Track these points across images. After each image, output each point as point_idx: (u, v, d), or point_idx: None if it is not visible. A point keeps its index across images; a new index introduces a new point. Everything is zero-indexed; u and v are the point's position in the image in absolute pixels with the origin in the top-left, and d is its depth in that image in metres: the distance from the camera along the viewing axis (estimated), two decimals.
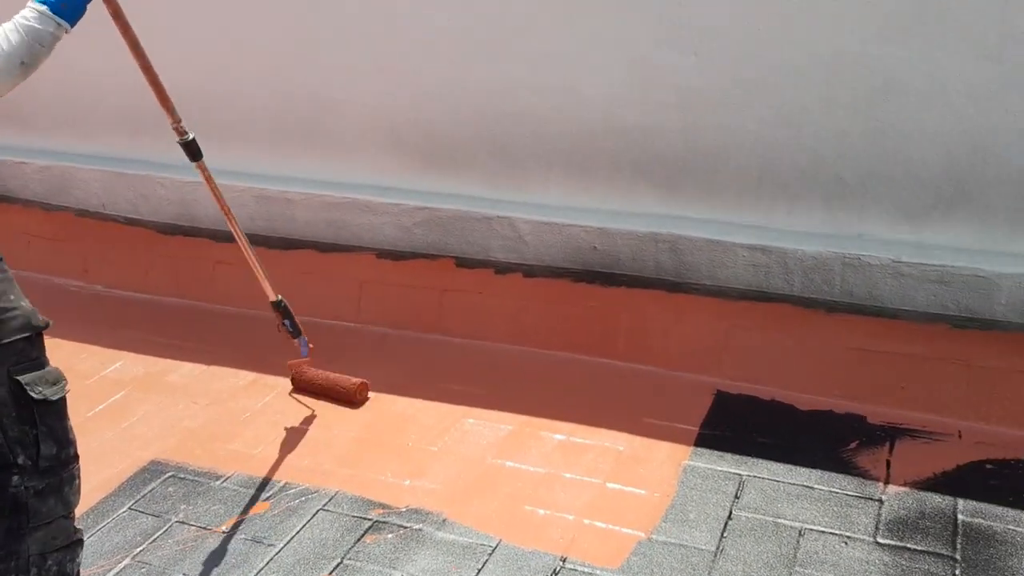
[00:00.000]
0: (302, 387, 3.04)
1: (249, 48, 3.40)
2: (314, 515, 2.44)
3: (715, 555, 2.22)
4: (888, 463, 2.51)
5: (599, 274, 3.08)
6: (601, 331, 3.08)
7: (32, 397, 1.68)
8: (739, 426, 2.71)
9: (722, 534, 2.29)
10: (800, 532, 2.28)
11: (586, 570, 2.20)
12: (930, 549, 2.19)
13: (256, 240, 3.60)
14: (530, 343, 3.17)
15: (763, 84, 2.75)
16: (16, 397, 1.68)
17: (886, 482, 2.44)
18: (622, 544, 2.27)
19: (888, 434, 2.63)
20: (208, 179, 2.69)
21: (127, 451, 2.76)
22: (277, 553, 2.31)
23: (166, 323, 3.58)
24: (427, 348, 3.25)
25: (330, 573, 2.23)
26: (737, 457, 2.58)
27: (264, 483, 2.59)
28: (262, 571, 2.25)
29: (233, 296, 3.63)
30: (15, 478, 1.67)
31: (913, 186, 2.69)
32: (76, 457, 1.81)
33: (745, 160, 2.87)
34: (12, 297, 1.74)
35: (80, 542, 1.82)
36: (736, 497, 2.42)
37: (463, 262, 3.27)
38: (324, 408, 2.94)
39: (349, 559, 2.27)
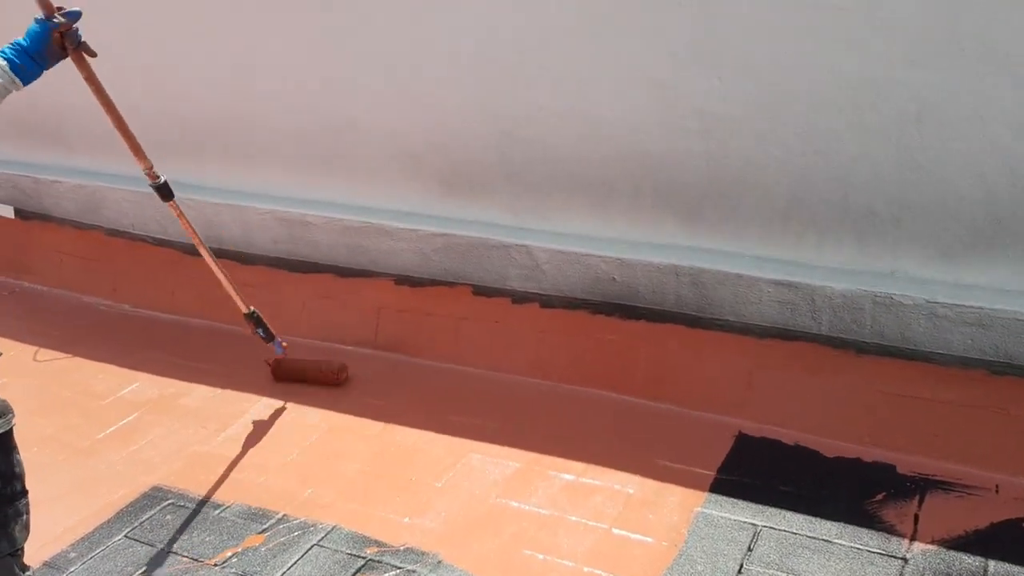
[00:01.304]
0: (283, 375, 3.20)
1: (273, 72, 3.39)
2: (308, 551, 2.37)
3: None
4: (916, 518, 2.34)
5: (618, 306, 2.97)
6: (619, 366, 2.96)
7: None
8: (759, 472, 2.57)
9: None
10: None
11: None
12: None
13: (277, 263, 3.60)
14: (546, 375, 3.07)
15: (790, 110, 2.62)
16: None
17: (912, 539, 2.27)
18: None
19: (918, 486, 2.46)
20: (180, 215, 2.83)
21: (131, 476, 2.74)
22: None
23: (188, 344, 3.58)
24: (441, 377, 3.17)
25: None
26: (754, 505, 2.43)
27: (262, 514, 2.54)
28: None
29: None
30: None
31: (949, 221, 2.53)
32: (24, 492, 1.75)
33: (771, 189, 2.73)
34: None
35: None
36: (749, 549, 2.28)
37: (480, 290, 3.19)
38: (329, 438, 2.88)
39: None
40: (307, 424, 2.97)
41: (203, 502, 2.60)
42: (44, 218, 4.10)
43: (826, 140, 2.61)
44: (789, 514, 2.39)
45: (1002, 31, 2.31)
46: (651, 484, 2.55)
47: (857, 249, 2.67)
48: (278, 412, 3.04)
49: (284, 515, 2.52)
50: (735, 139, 2.72)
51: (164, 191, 2.76)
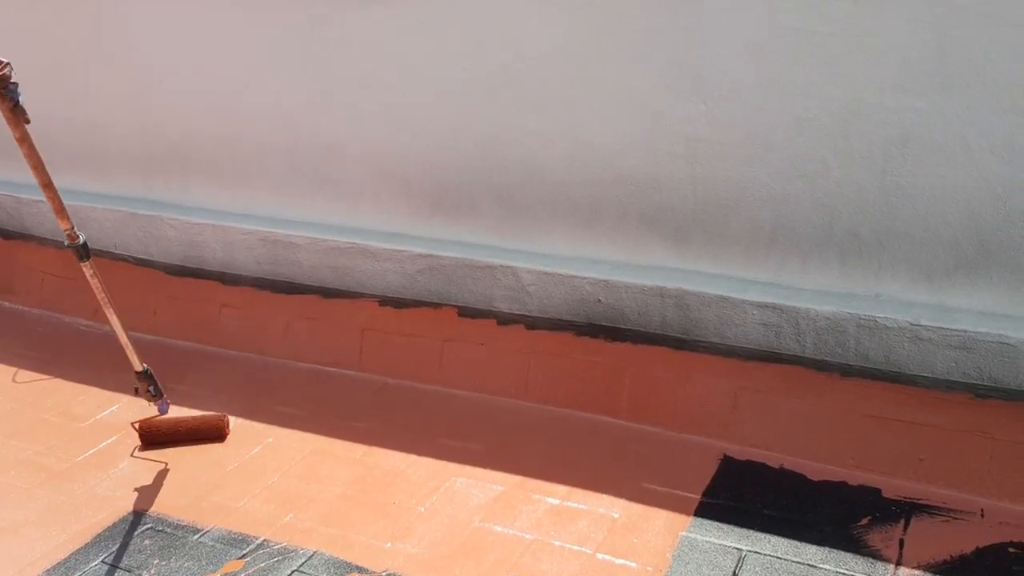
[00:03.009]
0: (154, 438, 2.97)
1: (260, 91, 3.39)
2: None
3: None
4: (902, 542, 2.33)
5: (603, 328, 2.96)
6: (604, 388, 2.95)
7: None
8: (744, 495, 2.55)
9: None
10: None
11: None
12: None
13: (262, 284, 3.57)
14: (531, 398, 3.05)
15: (776, 135, 2.63)
16: None
17: (898, 563, 2.26)
18: None
19: (904, 510, 2.45)
20: (94, 276, 2.81)
21: (110, 499, 2.69)
22: None
23: (168, 366, 3.52)
24: (426, 399, 3.15)
25: None
26: (739, 530, 2.42)
27: (242, 539, 2.50)
28: None
29: (237, 340, 3.58)
30: None
31: (933, 245, 2.54)
32: None
33: (757, 213, 2.74)
34: None
35: None
36: (734, 574, 2.26)
37: (465, 311, 3.17)
38: (312, 461, 2.85)
39: None
40: (289, 447, 2.93)
41: (182, 527, 2.56)
42: (25, 237, 4.06)
43: (811, 164, 2.62)
44: (774, 538, 2.38)
45: (988, 58, 2.34)
46: (636, 508, 2.53)
47: (841, 272, 2.67)
48: (259, 435, 3.00)
49: (264, 540, 2.49)
50: (721, 163, 2.73)
51: (82, 251, 2.78)
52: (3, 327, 3.94)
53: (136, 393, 2.92)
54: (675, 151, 2.77)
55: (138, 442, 2.98)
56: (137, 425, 2.98)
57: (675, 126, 2.74)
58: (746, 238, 2.77)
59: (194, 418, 3.00)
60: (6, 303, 4.13)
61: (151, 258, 3.79)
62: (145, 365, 2.90)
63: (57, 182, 4.05)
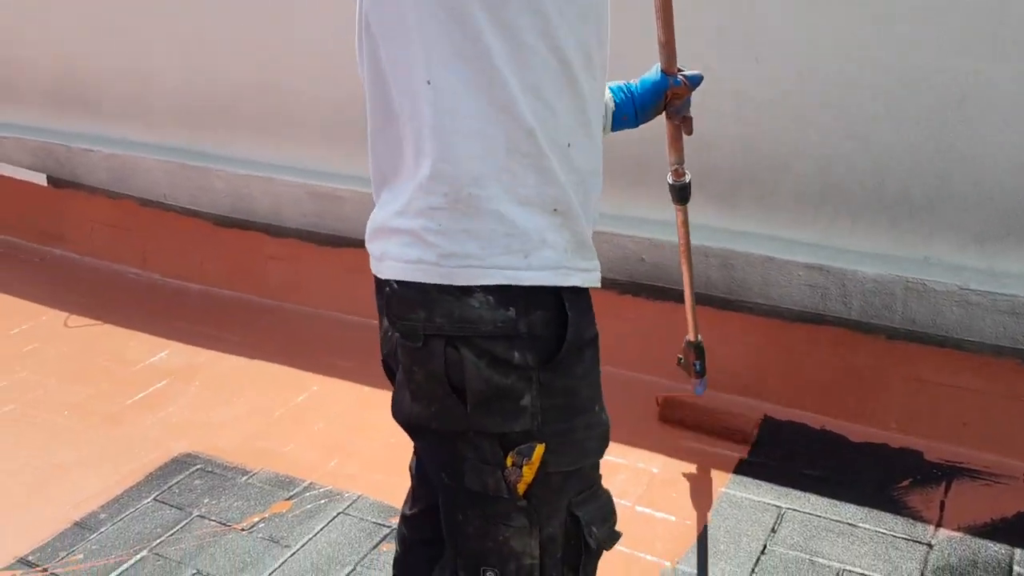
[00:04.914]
0: (674, 416, 2.76)
1: (308, 44, 3.40)
2: (333, 518, 2.40)
3: None
4: (942, 504, 2.34)
5: (645, 287, 2.96)
6: (645, 346, 2.96)
7: (586, 542, 1.31)
8: (784, 455, 2.56)
9: (753, 569, 2.15)
10: (838, 573, 2.12)
11: None
12: None
13: (307, 236, 3.61)
14: None
15: (828, 94, 2.60)
16: (568, 535, 1.30)
17: (938, 525, 2.27)
18: (645, 572, 2.16)
19: (945, 473, 2.45)
20: (683, 224, 2.36)
21: (160, 441, 2.77)
22: (292, 555, 2.27)
23: (216, 315, 3.61)
24: None
25: None
26: (779, 488, 2.44)
27: (289, 482, 2.56)
28: (274, 572, 2.21)
29: (282, 291, 3.64)
30: None
31: (986, 208, 2.50)
32: None
33: (806, 173, 2.71)
34: (598, 408, 1.32)
35: None
36: (773, 531, 2.28)
37: None
38: (356, 410, 2.90)
39: (362, 566, 2.22)
40: (334, 397, 2.99)
41: (230, 469, 2.63)
42: (76, 186, 4.14)
43: (864, 124, 2.58)
44: (813, 497, 2.39)
45: None
46: (676, 464, 2.56)
47: (891, 234, 2.65)
48: (305, 384, 3.06)
49: (311, 483, 2.55)
50: (771, 122, 2.70)
51: (681, 193, 2.29)
52: (54, 275, 4.04)
53: (678, 363, 2.64)
54: (724, 110, 2.74)
55: None
56: (661, 399, 2.79)
57: (724, 84, 2.71)
58: (795, 198, 2.75)
59: (723, 414, 2.70)
60: (57, 251, 4.22)
61: (199, 209, 3.84)
62: (700, 338, 2.58)
63: (107, 132, 4.13)
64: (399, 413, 1.32)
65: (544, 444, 1.22)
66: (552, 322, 1.21)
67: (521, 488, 1.24)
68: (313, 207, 3.54)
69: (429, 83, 1.15)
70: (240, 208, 3.74)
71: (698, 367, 2.61)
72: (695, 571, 2.15)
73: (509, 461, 1.22)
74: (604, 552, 1.35)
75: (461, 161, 1.16)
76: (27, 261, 4.18)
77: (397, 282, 1.24)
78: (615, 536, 1.35)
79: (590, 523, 1.30)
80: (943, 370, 2.56)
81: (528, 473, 1.23)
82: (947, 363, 2.56)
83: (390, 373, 1.43)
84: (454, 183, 1.17)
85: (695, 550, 2.22)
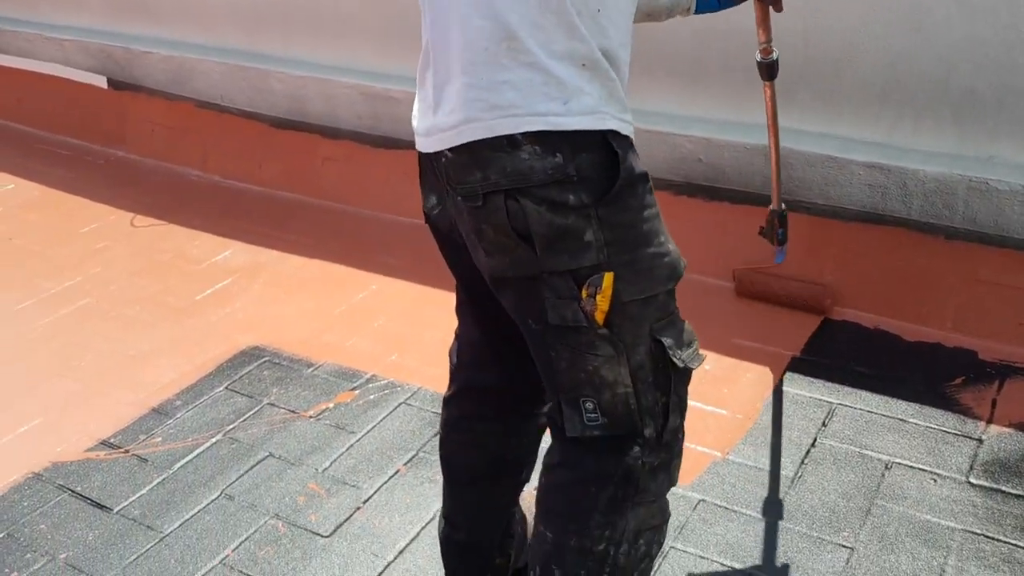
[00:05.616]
0: (750, 289, 2.83)
1: None
2: (396, 408, 2.50)
3: (792, 480, 2.15)
4: (994, 402, 2.35)
5: (702, 187, 2.96)
6: (701, 247, 2.96)
7: (673, 363, 1.38)
8: (838, 353, 2.59)
9: (803, 460, 2.21)
10: (887, 465, 2.17)
11: None
12: None
13: (362, 138, 3.64)
14: None
15: None
16: (655, 360, 1.37)
17: (989, 421, 2.29)
18: (696, 462, 2.23)
19: (999, 372, 2.46)
20: (771, 99, 2.40)
21: (228, 335, 2.89)
22: (357, 440, 2.38)
23: (275, 215, 3.69)
24: None
25: (404, 464, 2.29)
26: (831, 385, 2.47)
27: (352, 374, 2.67)
28: (341, 456, 2.33)
29: (339, 192, 3.70)
30: (635, 449, 1.39)
31: None
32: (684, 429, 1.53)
33: (870, 69, 2.66)
34: (662, 239, 1.37)
35: (668, 520, 1.52)
36: (823, 425, 2.33)
37: None
38: (414, 307, 2.98)
39: (424, 452, 2.32)
40: (392, 294, 3.07)
41: (296, 361, 2.74)
42: (136, 89, 4.20)
43: (930, 17, 2.51)
44: (865, 394, 2.42)
45: None
46: (729, 362, 2.60)
47: (955, 132, 2.60)
48: (364, 283, 3.14)
49: (373, 375, 2.65)
50: (834, 17, 2.63)
51: (769, 69, 2.35)
52: (118, 176, 4.14)
53: (760, 232, 2.61)
54: (785, 2, 2.67)
55: None
56: (737, 272, 2.84)
57: None
58: (857, 95, 2.70)
59: (796, 284, 2.76)
60: (120, 152, 4.32)
61: (256, 111, 3.89)
62: (784, 206, 2.58)
63: (164, 34, 4.16)
64: (481, 269, 1.41)
65: (612, 273, 1.30)
66: (599, 163, 1.29)
67: (599, 317, 1.32)
68: (367, 109, 3.57)
69: None
70: (296, 110, 3.78)
71: (780, 235, 2.60)
72: (745, 462, 2.22)
73: (584, 293, 1.31)
74: (692, 372, 1.44)
75: (499, 15, 1.23)
76: (92, 163, 4.29)
77: (450, 150, 1.32)
78: (699, 357, 1.44)
79: (673, 346, 1.38)
80: (1002, 270, 2.55)
81: (603, 302, 1.32)
82: (1007, 263, 2.54)
83: (447, 245, 1.54)
84: (492, 36, 1.24)
85: (745, 442, 2.28)
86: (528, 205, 1.27)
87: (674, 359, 1.38)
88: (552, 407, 1.45)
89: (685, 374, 1.42)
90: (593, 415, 1.37)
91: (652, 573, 1.88)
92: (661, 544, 1.50)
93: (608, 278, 1.30)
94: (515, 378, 1.58)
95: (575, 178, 1.27)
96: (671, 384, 1.40)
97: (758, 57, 2.31)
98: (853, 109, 2.72)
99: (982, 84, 2.51)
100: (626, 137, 1.33)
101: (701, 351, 1.45)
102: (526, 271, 1.32)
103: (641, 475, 1.41)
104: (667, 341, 1.37)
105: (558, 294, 1.32)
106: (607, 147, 1.28)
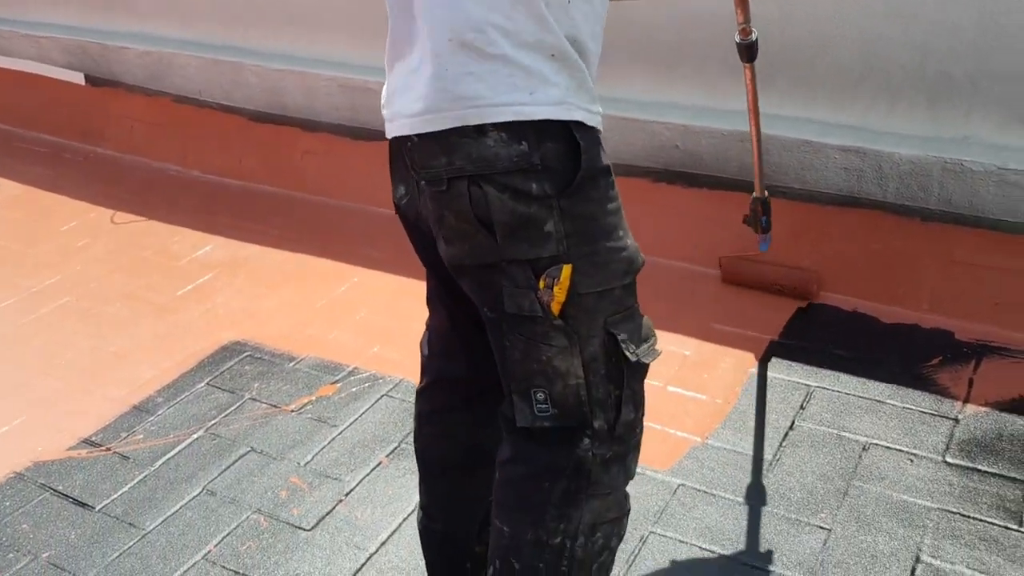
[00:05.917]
0: (736, 277, 2.85)
1: None
2: (378, 400, 2.51)
3: (771, 463, 2.17)
4: (971, 381, 2.38)
5: (680, 174, 2.97)
6: (680, 233, 2.98)
7: (625, 357, 1.38)
8: (816, 337, 2.61)
9: (781, 443, 2.23)
10: (864, 447, 2.20)
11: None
12: (1002, 472, 2.08)
13: (339, 130, 3.63)
14: None
15: None
16: (608, 353, 1.37)
17: (965, 401, 2.31)
18: (676, 447, 2.24)
19: (975, 351, 2.48)
20: (751, 81, 2.41)
21: (209, 331, 2.88)
22: (339, 433, 2.39)
23: (256, 210, 3.68)
24: None
25: (387, 456, 2.30)
26: (808, 368, 2.49)
27: (334, 367, 2.67)
28: (323, 449, 2.34)
29: (319, 185, 3.69)
30: (586, 441, 1.39)
31: None
32: (642, 424, 1.52)
33: (846, 54, 2.67)
34: (621, 233, 1.38)
35: (628, 513, 1.52)
36: (801, 408, 2.35)
37: None
38: (395, 299, 2.98)
39: (406, 443, 2.33)
40: (373, 287, 3.07)
41: (278, 355, 2.74)
42: (114, 84, 4.18)
43: (907, 3, 2.52)
44: (843, 376, 2.44)
45: None
46: (708, 347, 2.62)
47: (929, 115, 2.61)
48: (345, 276, 3.14)
49: (355, 368, 2.66)
50: (810, 2, 2.64)
51: (748, 51, 2.36)
52: (97, 172, 4.12)
53: (744, 221, 2.64)
54: None
55: None
56: (723, 259, 2.86)
57: None
58: (833, 80, 2.71)
59: (782, 270, 2.78)
60: (98, 149, 4.29)
61: (234, 104, 3.87)
62: (766, 194, 2.60)
63: (141, 29, 4.14)
64: (443, 258, 1.41)
65: (571, 265, 1.31)
66: (564, 154, 1.29)
67: (555, 308, 1.33)
68: (346, 101, 3.56)
69: None
70: (275, 103, 3.76)
71: (764, 222, 2.62)
72: (724, 446, 2.24)
73: (541, 284, 1.32)
74: (648, 367, 1.43)
75: (462, 5, 1.24)
76: (71, 160, 4.26)
77: (417, 135, 1.32)
78: (655, 352, 1.43)
79: (627, 340, 1.38)
80: (977, 250, 2.57)
81: (560, 293, 1.32)
82: (982, 243, 2.56)
83: (415, 234, 1.54)
84: (456, 27, 1.24)
85: (724, 426, 2.30)
86: (491, 192, 1.28)
87: (627, 353, 1.38)
88: (505, 402, 1.45)
89: (639, 368, 1.41)
90: (544, 406, 1.38)
91: (633, 559, 1.90)
92: (621, 537, 1.50)
93: (566, 270, 1.31)
94: (481, 367, 1.59)
95: (539, 167, 1.28)
96: (624, 378, 1.40)
97: (737, 38, 2.31)
98: (828, 94, 2.74)
99: (957, 68, 2.52)
100: (592, 128, 1.33)
101: (657, 347, 1.44)
102: (485, 259, 1.33)
103: (593, 467, 1.41)
104: (621, 335, 1.37)
105: (516, 283, 1.33)
106: (571, 138, 1.29)
